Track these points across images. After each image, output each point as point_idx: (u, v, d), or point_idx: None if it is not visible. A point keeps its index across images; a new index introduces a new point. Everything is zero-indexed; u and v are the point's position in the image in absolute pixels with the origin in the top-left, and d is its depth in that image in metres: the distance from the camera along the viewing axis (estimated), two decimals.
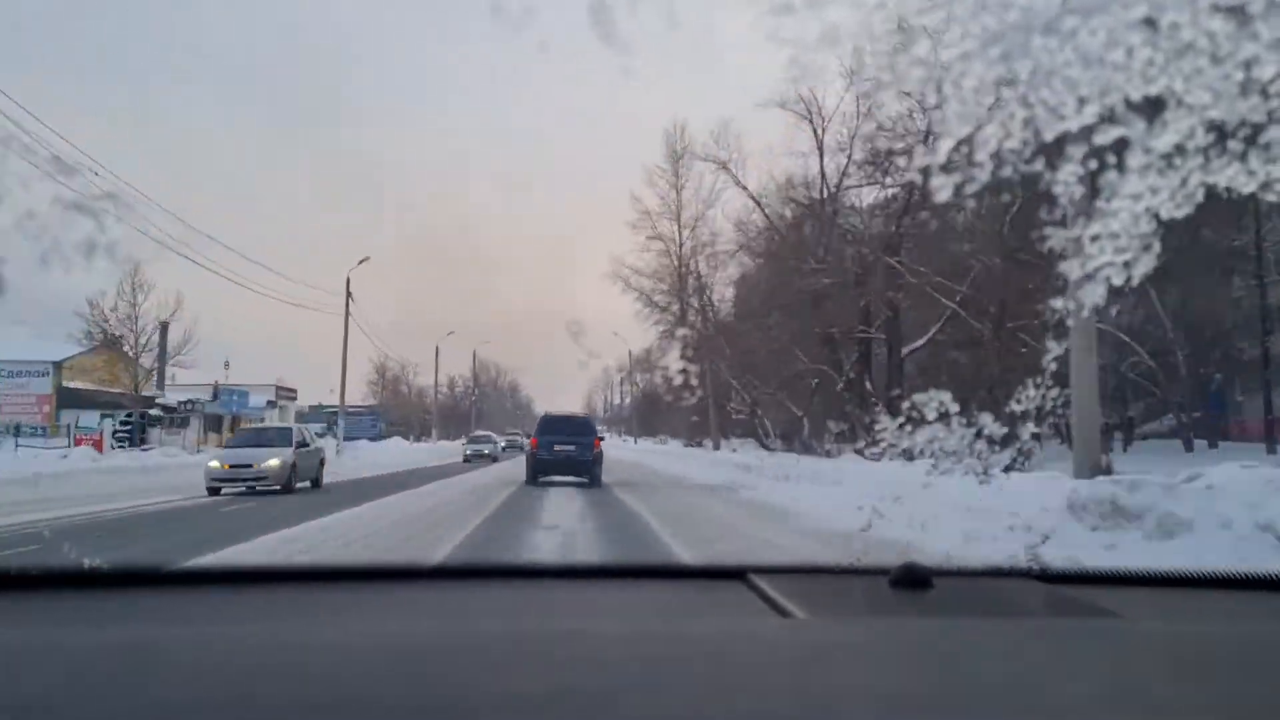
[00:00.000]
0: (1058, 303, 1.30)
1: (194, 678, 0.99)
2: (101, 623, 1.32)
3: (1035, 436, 1.42)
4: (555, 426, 24.14)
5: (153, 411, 41.85)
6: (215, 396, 48.37)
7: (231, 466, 19.56)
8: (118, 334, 41.53)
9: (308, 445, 22.23)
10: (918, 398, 1.52)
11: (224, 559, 8.40)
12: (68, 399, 42.49)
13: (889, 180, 31.59)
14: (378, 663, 1.05)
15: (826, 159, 35.26)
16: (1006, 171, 1.14)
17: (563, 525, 13.51)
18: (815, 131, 35.15)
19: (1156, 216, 1.18)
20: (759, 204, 38.19)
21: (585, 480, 22.67)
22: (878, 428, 1.60)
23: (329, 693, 0.95)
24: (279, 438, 21.66)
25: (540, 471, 23.07)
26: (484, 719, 0.89)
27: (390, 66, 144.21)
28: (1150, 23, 1.12)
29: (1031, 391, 1.56)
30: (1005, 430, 1.53)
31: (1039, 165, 1.17)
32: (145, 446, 36.34)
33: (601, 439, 25.17)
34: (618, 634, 1.19)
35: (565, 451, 23.11)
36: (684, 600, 1.57)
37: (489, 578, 1.71)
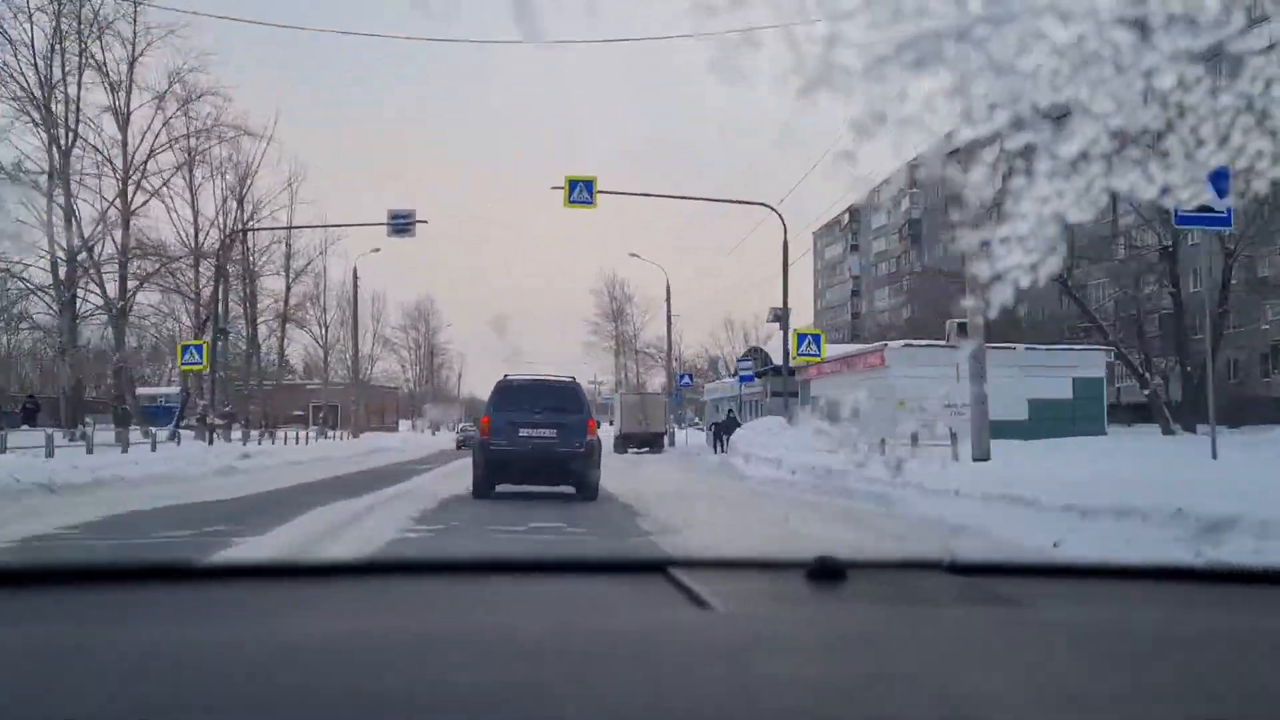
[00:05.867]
0: (967, 302, 1.33)
1: (128, 680, 0.97)
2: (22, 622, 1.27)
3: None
4: (521, 398, 13.86)
5: None
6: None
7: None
8: None
9: None
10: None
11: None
12: None
13: None
14: (302, 661, 1.04)
15: None
16: (920, 174, 1.17)
17: None
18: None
19: (1062, 219, 1.22)
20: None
21: (571, 489, 13.37)
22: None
23: (257, 693, 0.94)
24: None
25: (494, 472, 13.40)
26: (410, 716, 0.88)
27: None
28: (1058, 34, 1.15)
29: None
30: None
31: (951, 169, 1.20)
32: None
33: (595, 420, 14.67)
34: (540, 628, 1.19)
35: (536, 439, 13.38)
36: (605, 594, 1.57)
37: (409, 573, 1.69)
